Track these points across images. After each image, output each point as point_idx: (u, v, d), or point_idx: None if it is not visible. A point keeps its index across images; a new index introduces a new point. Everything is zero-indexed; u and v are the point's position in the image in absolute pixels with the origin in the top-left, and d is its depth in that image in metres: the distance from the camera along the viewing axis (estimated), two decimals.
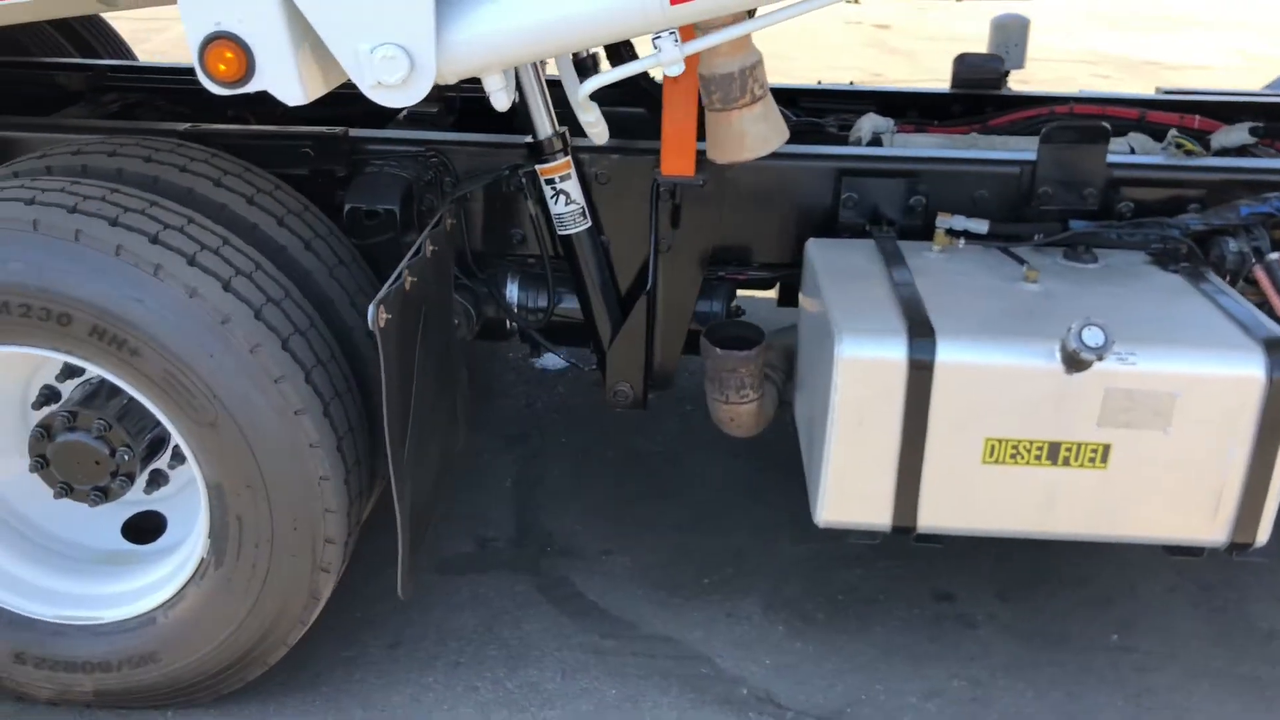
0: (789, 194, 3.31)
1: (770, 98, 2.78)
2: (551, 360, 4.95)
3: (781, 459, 4.13)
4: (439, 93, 3.99)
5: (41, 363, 2.82)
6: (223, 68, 2.17)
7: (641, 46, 2.87)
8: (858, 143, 3.62)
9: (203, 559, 2.74)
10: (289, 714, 2.96)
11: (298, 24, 2.15)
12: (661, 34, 2.29)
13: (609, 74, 2.64)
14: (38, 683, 2.86)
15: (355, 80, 2.24)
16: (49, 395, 2.88)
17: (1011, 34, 4.50)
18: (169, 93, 4.15)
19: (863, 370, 2.57)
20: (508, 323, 3.58)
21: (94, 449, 2.75)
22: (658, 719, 2.98)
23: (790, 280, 3.48)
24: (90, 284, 2.43)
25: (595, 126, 2.86)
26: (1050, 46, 11.18)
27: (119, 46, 5.00)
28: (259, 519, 2.64)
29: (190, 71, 4.28)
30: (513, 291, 3.49)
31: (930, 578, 3.53)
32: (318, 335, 2.70)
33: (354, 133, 3.25)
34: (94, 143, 2.91)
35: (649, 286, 3.30)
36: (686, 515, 3.87)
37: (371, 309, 2.40)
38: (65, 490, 2.82)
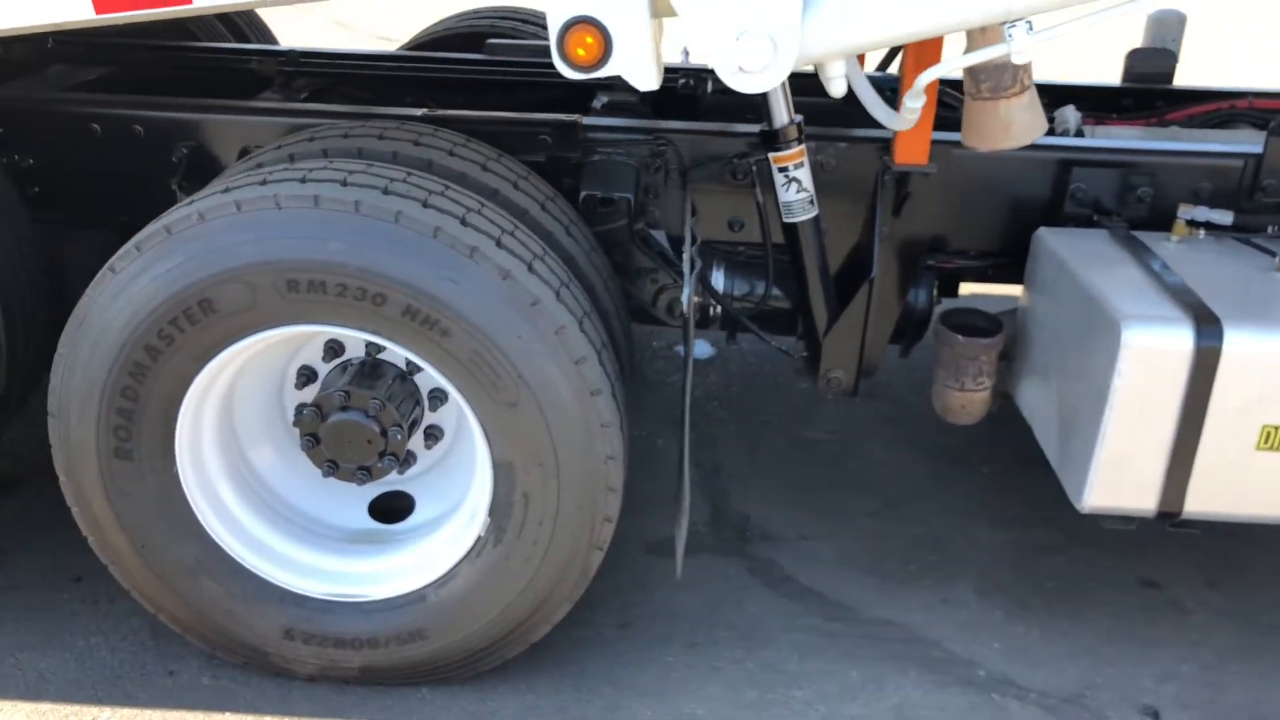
0: (1012, 184, 3.36)
1: (1035, 88, 2.83)
2: (702, 348, 5.00)
3: (956, 449, 4.19)
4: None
5: (304, 343, 2.86)
6: (581, 52, 2.21)
7: None
8: (1064, 134, 3.66)
9: (479, 537, 2.78)
10: (541, 691, 3.00)
11: (659, 10, 2.19)
12: (1016, 23, 2.33)
13: (947, 64, 2.64)
14: (304, 659, 2.91)
15: (715, 64, 2.28)
16: (309, 376, 2.92)
17: (1168, 29, 4.54)
18: (353, 78, 4.18)
19: (1148, 357, 2.61)
20: (711, 309, 3.61)
21: (367, 428, 2.79)
22: (905, 699, 3.02)
23: (995, 269, 3.54)
24: (408, 265, 2.47)
25: (912, 114, 2.83)
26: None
27: (267, 34, 5.04)
28: (546, 497, 2.68)
29: (374, 57, 4.40)
30: (719, 278, 3.52)
31: (1133, 566, 3.58)
32: (597, 319, 2.74)
33: (587, 120, 3.29)
34: (359, 127, 2.95)
35: (871, 274, 3.34)
36: (874, 503, 3.91)
37: (687, 294, 2.44)
38: (331, 468, 2.86)
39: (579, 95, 4.20)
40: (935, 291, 3.60)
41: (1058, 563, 3.61)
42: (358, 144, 2.85)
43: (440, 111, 3.26)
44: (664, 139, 3.33)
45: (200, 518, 2.79)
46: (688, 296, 2.45)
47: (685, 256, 2.67)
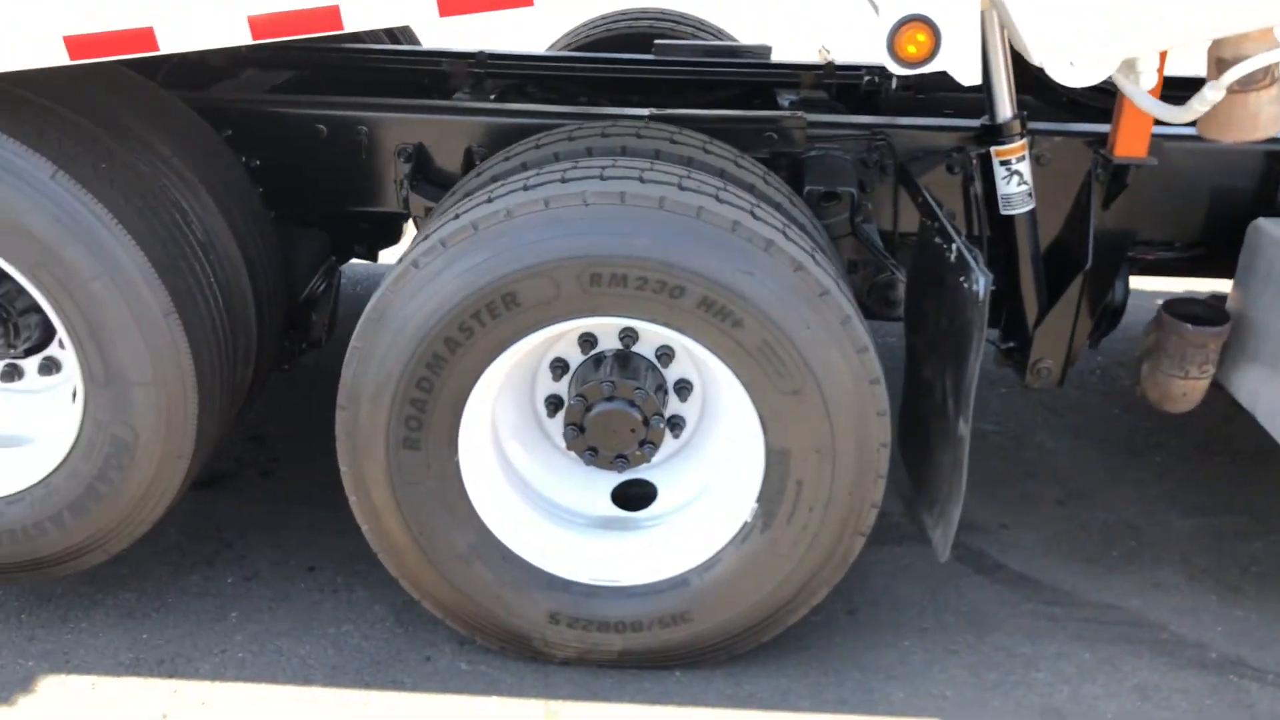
0: (1222, 176, 3.44)
1: None
2: None
3: (1123, 439, 4.27)
4: (817, 79, 4.12)
5: (561, 336, 2.94)
6: (912, 49, 2.29)
7: None
8: None
9: (746, 523, 2.86)
10: (791, 674, 3.08)
11: (989, 9, 2.27)
12: None
13: (1256, 60, 2.67)
14: (567, 642, 2.99)
15: (1041, 59, 2.35)
16: (563, 367, 3.00)
17: None
18: (536, 78, 4.27)
19: None
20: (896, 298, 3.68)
21: (631, 417, 2.87)
22: (1144, 681, 3.10)
23: (1194, 261, 3.62)
24: (709, 258, 2.55)
25: (1201, 107, 2.85)
26: None
27: (412, 37, 5.14)
28: (820, 483, 2.76)
29: (556, 59, 4.49)
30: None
31: None
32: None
33: (811, 116, 3.37)
34: (613, 126, 3.04)
35: (1086, 266, 3.41)
36: (1060, 491, 3.99)
37: (983, 284, 2.52)
38: (591, 456, 2.94)
39: (748, 94, 4.30)
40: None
41: (1257, 547, 3.68)
42: (620, 142, 2.93)
43: (668, 111, 3.35)
44: (881, 134, 3.41)
45: (476, 505, 2.88)
46: (985, 286, 2.53)
47: (956, 246, 2.74)
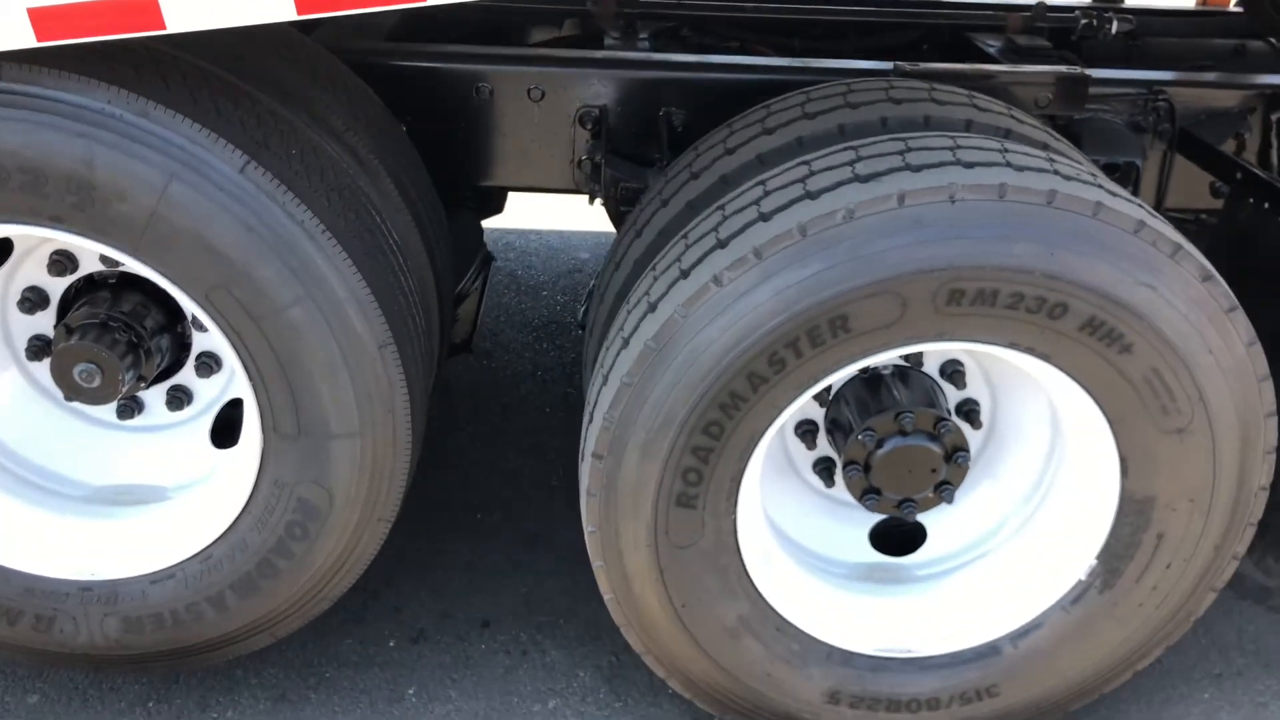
0: None
1: None
2: None
3: None
4: (1025, 22, 3.53)
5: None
6: None
7: None
8: None
9: (1080, 581, 2.35)
10: None
11: None
12: None
13: None
14: None
15: None
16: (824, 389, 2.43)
17: None
18: (691, 21, 3.63)
19: None
20: None
21: (931, 454, 2.33)
22: None
23: None
24: (1102, 268, 1.99)
25: None
26: None
27: None
28: (1186, 536, 2.25)
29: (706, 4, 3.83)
30: None
31: None
32: None
33: (1094, 72, 2.80)
34: (901, 89, 2.44)
35: None
36: None
37: None
38: (872, 500, 2.39)
39: (923, 41, 3.71)
40: None
41: None
42: (922, 110, 2.35)
43: (924, 65, 2.75)
44: (1161, 93, 2.87)
45: (751, 569, 2.32)
46: None
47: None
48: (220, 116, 1.93)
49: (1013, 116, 2.42)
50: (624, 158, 2.82)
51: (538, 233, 5.15)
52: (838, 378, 2.14)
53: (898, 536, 2.63)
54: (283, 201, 1.91)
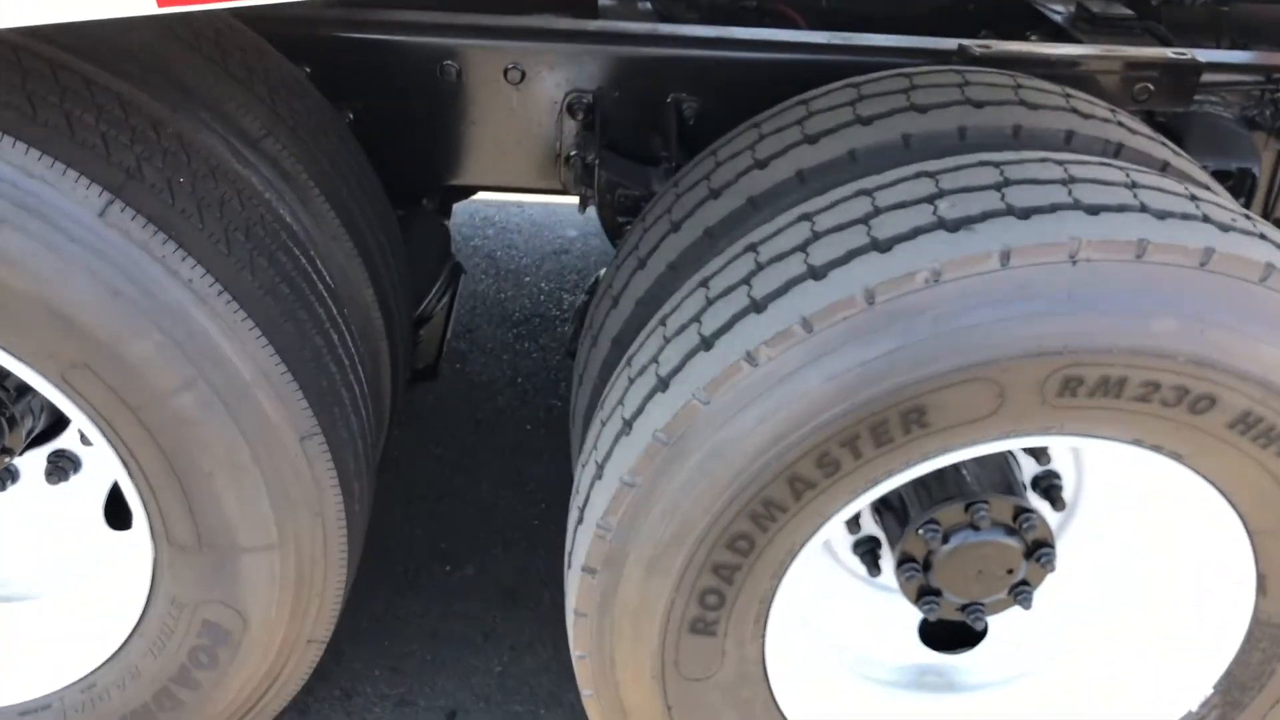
0: None
1: None
2: None
3: None
4: None
5: None
6: None
7: None
8: None
9: (1190, 713, 1.88)
10: None
11: None
12: None
13: None
14: None
15: None
16: None
17: None
18: None
19: None
20: None
21: (1010, 551, 1.85)
22: None
23: None
24: (1268, 349, 1.49)
25: None
26: None
27: None
28: None
29: None
30: None
31: None
32: None
33: (1206, 57, 2.27)
34: (985, 84, 1.91)
35: None
36: None
37: None
38: (930, 604, 1.92)
39: (947, 13, 3.14)
40: None
41: None
42: (1010, 116, 1.82)
43: (995, 46, 2.22)
44: (1277, 80, 2.35)
45: (781, 701, 1.84)
46: None
47: None
48: (74, 135, 1.39)
49: (1122, 124, 1.91)
50: (623, 156, 2.30)
51: (519, 205, 4.60)
52: (905, 478, 1.65)
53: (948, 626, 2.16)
54: (162, 254, 1.39)
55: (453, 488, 3.03)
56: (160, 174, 1.43)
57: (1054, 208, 1.49)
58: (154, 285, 1.39)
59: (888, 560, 1.94)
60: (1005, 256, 1.44)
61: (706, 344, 1.57)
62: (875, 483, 1.61)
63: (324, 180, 1.83)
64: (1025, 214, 1.48)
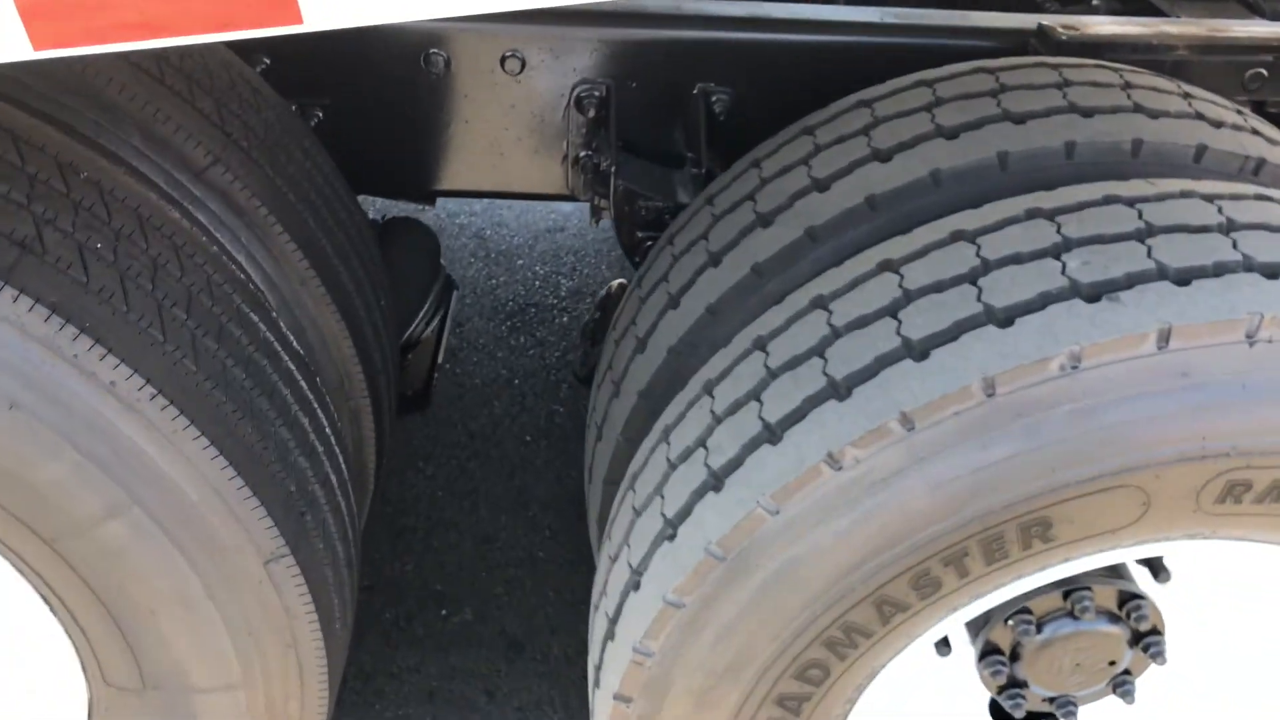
0: None
1: None
2: None
3: None
4: None
5: None
6: None
7: None
8: None
9: None
10: None
11: None
12: None
13: None
14: None
15: None
16: None
17: None
18: None
19: None
20: None
21: (1114, 640, 1.57)
22: None
23: None
24: None
25: None
26: None
27: None
28: None
29: None
30: None
31: None
32: None
33: None
34: (1089, 84, 1.58)
35: None
36: None
37: None
38: (1013, 699, 1.63)
39: None
40: None
41: None
42: (1129, 128, 1.49)
43: (1083, 26, 1.87)
44: None
45: None
46: None
47: None
48: None
49: (1257, 132, 1.58)
50: (642, 159, 1.96)
51: None
52: (1014, 591, 1.35)
53: None
54: (72, 352, 1.06)
55: (446, 516, 2.72)
56: (68, 241, 1.10)
57: (1218, 269, 1.17)
58: (63, 393, 1.06)
59: (961, 637, 1.65)
60: (1164, 337, 1.12)
61: (772, 434, 1.26)
62: (979, 597, 1.31)
63: (286, 212, 1.49)
64: (1182, 278, 1.16)
